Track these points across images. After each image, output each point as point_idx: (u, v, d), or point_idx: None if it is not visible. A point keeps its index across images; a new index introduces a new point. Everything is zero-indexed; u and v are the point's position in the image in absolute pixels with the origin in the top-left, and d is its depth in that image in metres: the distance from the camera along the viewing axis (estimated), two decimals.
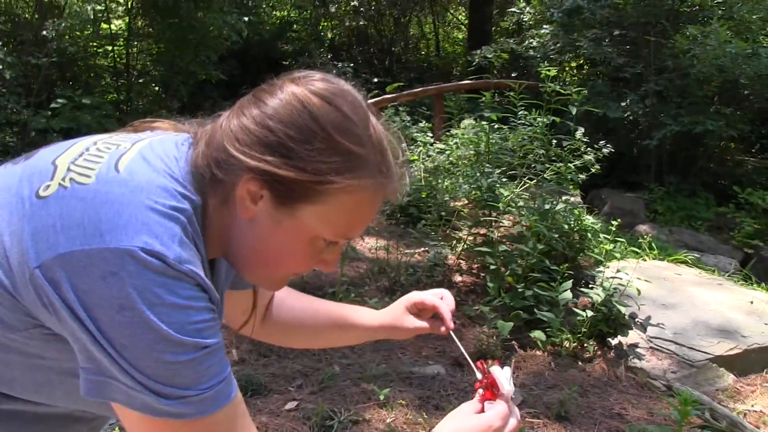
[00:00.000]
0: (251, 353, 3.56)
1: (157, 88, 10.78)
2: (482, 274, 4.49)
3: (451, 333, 1.28)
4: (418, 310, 1.32)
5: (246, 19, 9.92)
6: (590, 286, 4.04)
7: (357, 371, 3.48)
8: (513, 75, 11.47)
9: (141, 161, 0.87)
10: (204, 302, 0.83)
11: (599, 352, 3.80)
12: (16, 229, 0.81)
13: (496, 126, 5.55)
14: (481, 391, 1.10)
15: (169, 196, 0.84)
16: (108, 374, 0.79)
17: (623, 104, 7.89)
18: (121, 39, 10.57)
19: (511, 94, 5.29)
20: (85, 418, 1.00)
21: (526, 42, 9.46)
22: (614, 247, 4.58)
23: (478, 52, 9.25)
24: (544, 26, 9.50)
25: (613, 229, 4.24)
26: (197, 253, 0.85)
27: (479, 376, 1.12)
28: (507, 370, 1.10)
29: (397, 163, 0.95)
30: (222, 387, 0.84)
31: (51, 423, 0.96)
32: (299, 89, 0.90)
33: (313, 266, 0.98)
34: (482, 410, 1.08)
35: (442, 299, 1.30)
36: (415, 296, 1.33)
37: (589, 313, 3.71)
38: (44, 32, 8.50)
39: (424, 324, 1.32)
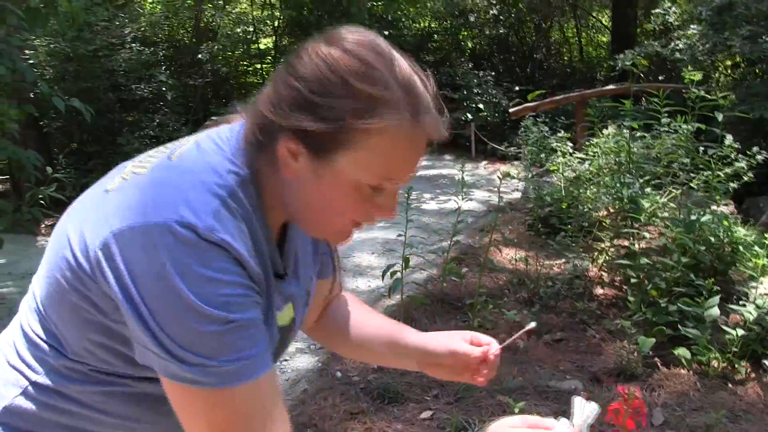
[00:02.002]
0: None
1: None
2: (624, 288, 4.37)
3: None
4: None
5: (386, 33, 10.16)
6: (741, 302, 3.81)
7: (493, 383, 3.48)
8: (660, 78, 11.00)
9: (194, 149, 0.96)
10: (236, 276, 0.87)
11: (752, 375, 3.57)
12: (93, 225, 0.91)
13: (638, 134, 5.37)
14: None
15: (213, 174, 0.91)
16: (143, 343, 0.87)
17: None
18: (269, 57, 11.12)
19: (655, 100, 5.11)
20: None
21: (672, 44, 9.04)
22: None
23: (621, 56, 8.96)
24: (692, 26, 9.04)
25: None
26: (244, 225, 0.91)
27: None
28: (592, 407, 1.01)
29: (431, 101, 0.95)
30: (247, 364, 0.87)
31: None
32: (321, 45, 0.93)
33: (371, 214, 0.99)
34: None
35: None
36: (469, 333, 1.26)
37: (741, 332, 3.50)
38: (200, 55, 9.15)
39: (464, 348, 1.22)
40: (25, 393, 1.00)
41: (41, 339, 1.00)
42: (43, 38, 6.88)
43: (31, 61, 4.45)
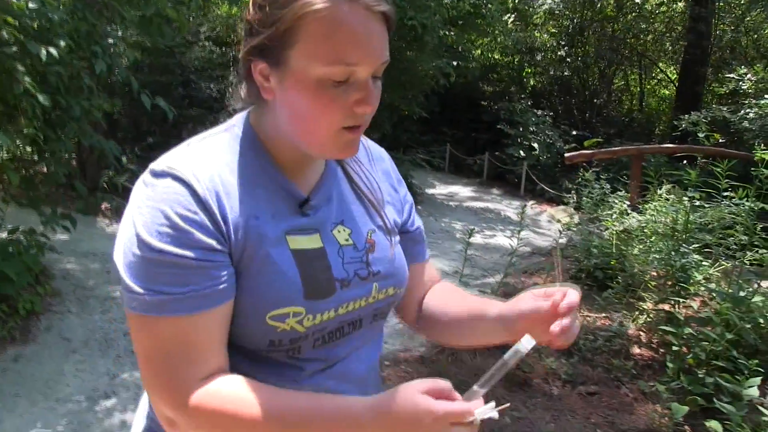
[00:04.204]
0: None
1: None
2: (661, 350, 4.42)
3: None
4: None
5: (455, 63, 10.29)
6: None
7: (526, 426, 3.58)
8: (721, 141, 10.93)
9: None
10: (182, 209, 0.94)
11: None
12: None
13: (697, 202, 5.41)
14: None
15: (196, 137, 1.06)
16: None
17: None
18: None
19: (717, 170, 5.13)
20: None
21: (742, 112, 8.96)
22: None
23: (686, 117, 8.95)
24: (766, 96, 8.93)
25: None
26: (223, 161, 1.01)
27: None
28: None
29: None
30: (168, 299, 0.92)
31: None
32: None
33: (352, 110, 0.98)
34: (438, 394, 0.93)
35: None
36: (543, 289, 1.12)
37: None
38: None
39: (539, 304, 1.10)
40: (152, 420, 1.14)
41: None
42: (126, 30, 7.20)
43: (111, 50, 4.71)
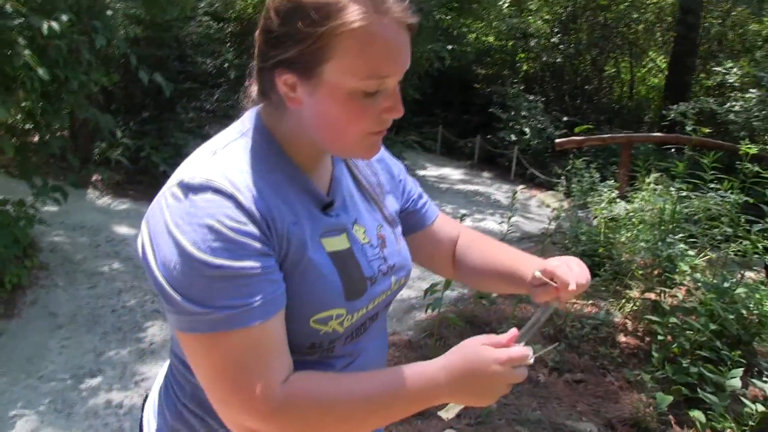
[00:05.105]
0: None
1: None
2: (647, 339, 4.49)
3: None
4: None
5: (450, 47, 10.27)
6: (765, 378, 3.90)
7: (512, 412, 3.64)
8: (707, 131, 11.05)
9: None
10: (229, 221, 0.92)
11: None
12: None
13: (683, 193, 5.48)
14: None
15: (215, 141, 1.04)
16: (164, 305, 0.96)
17: None
18: None
19: (704, 161, 5.19)
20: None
21: (728, 104, 9.08)
22: None
23: (675, 107, 9.04)
24: (751, 90, 9.08)
25: None
26: (247, 166, 0.99)
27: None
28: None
29: None
30: (236, 313, 0.91)
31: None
32: None
33: (380, 118, 1.01)
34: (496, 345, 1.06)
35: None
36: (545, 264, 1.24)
37: (760, 408, 3.54)
38: None
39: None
40: (180, 416, 1.16)
41: (179, 359, 1.15)
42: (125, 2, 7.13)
43: (111, 22, 4.67)
